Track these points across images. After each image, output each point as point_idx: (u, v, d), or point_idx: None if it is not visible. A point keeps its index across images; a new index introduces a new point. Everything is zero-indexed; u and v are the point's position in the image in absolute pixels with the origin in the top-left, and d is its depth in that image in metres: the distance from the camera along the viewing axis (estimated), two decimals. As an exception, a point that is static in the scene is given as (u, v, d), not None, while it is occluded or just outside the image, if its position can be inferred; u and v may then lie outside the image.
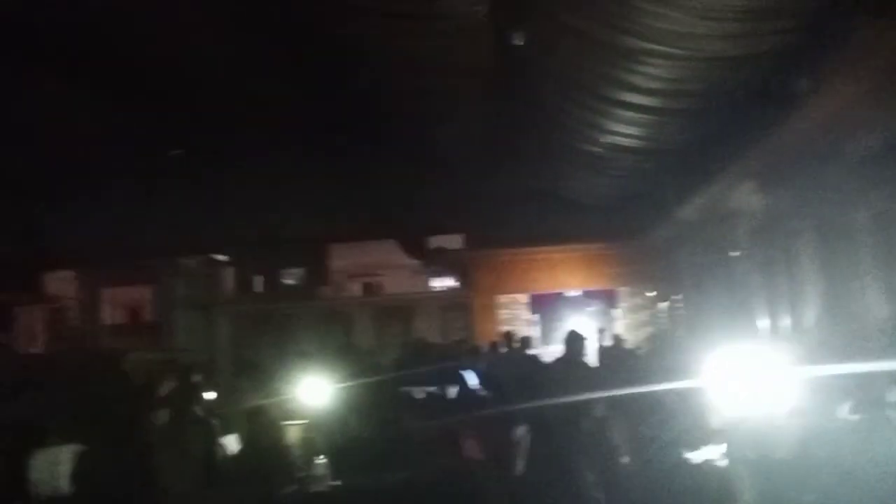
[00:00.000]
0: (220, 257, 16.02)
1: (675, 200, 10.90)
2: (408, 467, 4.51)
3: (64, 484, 4.53)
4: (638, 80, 7.17)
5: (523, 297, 14.85)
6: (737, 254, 10.16)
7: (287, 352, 12.04)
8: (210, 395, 7.50)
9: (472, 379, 7.01)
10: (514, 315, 14.65)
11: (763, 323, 9.26)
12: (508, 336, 11.06)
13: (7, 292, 14.01)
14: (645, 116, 8.04)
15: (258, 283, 16.22)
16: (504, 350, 10.57)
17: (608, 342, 12.14)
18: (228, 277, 16.26)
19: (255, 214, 13.26)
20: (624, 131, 8.69)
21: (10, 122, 8.26)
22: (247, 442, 5.30)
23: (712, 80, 6.87)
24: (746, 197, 9.22)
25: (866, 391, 4.01)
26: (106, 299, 16.49)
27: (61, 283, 15.77)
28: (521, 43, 7.26)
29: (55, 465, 4.72)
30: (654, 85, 7.20)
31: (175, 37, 7.38)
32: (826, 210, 7.39)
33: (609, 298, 14.92)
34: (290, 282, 16.43)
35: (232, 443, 5.74)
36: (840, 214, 7.13)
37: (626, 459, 4.99)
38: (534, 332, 14.35)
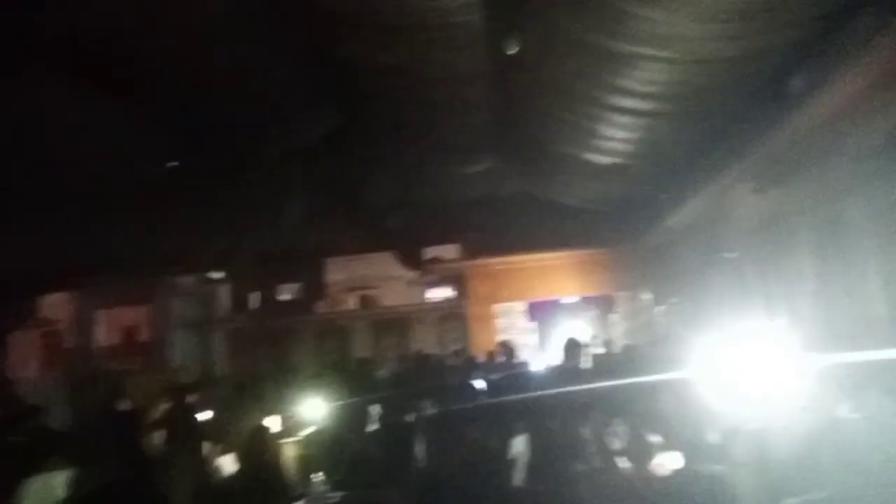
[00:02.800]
0: (216, 275, 15.96)
1: (671, 203, 10.88)
2: (408, 480, 4.46)
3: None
4: (632, 85, 7.17)
5: (520, 305, 14.76)
6: (734, 255, 10.13)
7: (285, 368, 11.97)
8: (207, 414, 7.46)
9: (473, 389, 6.96)
10: (512, 323, 14.57)
11: (762, 324, 9.22)
12: (506, 345, 11.00)
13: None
14: (640, 120, 8.04)
15: (254, 299, 16.16)
16: (502, 359, 10.51)
17: (606, 348, 12.09)
18: (224, 295, 16.20)
19: (249, 230, 13.21)
20: (619, 136, 8.68)
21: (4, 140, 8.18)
22: (244, 460, 5.24)
23: (707, 83, 6.87)
24: (743, 198, 9.20)
25: (868, 390, 3.97)
26: (101, 320, 16.42)
27: (55, 305, 15.68)
28: (515, 51, 7.26)
29: (51, 489, 4.67)
30: (648, 89, 7.19)
31: (171, 53, 7.34)
32: (823, 209, 7.37)
33: (606, 304, 14.84)
34: (286, 297, 16.37)
35: (229, 462, 5.68)
36: (837, 213, 7.10)
37: (625, 466, 4.94)
38: (532, 339, 14.30)
